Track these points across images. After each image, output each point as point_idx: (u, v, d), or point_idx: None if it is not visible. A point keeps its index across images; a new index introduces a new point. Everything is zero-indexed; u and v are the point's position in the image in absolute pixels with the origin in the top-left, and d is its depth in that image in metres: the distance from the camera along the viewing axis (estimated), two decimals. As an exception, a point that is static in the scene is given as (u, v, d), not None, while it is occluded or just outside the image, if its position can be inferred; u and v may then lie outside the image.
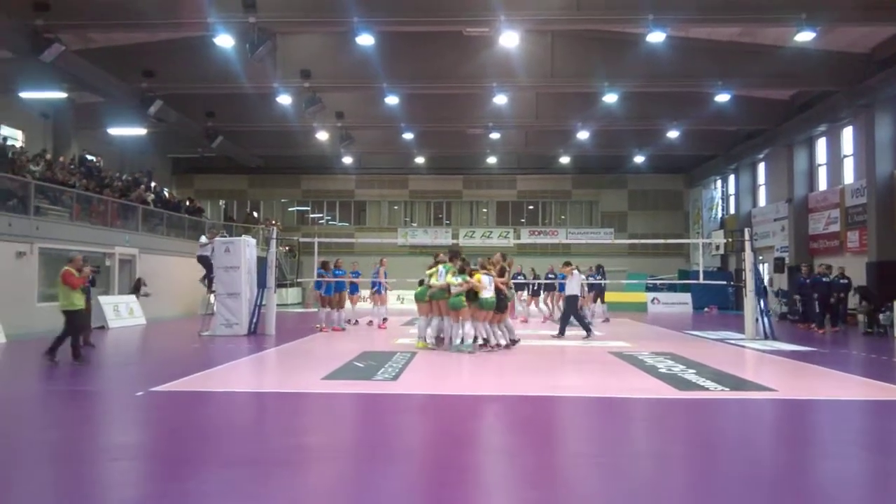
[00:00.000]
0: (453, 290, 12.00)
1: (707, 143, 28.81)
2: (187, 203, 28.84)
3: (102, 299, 17.42)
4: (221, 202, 37.31)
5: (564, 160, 32.93)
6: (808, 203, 24.12)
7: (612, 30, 19.21)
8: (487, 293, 12.08)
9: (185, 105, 23.32)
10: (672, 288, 29.61)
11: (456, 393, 8.55)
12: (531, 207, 36.87)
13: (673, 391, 8.33)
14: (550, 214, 36.80)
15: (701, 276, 18.06)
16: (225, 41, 16.88)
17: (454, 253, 13.01)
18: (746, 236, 15.74)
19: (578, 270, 16.04)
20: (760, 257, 24.12)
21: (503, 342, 12.69)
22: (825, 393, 8.67)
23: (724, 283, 27.30)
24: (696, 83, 20.58)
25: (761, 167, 28.62)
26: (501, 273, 12.81)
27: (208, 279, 16.77)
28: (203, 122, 24.86)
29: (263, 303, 15.76)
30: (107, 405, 8.02)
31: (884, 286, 18.02)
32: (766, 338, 14.79)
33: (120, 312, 18.23)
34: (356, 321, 18.83)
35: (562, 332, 15.17)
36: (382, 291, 18.51)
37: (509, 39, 17.35)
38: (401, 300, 26.64)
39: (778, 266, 24.22)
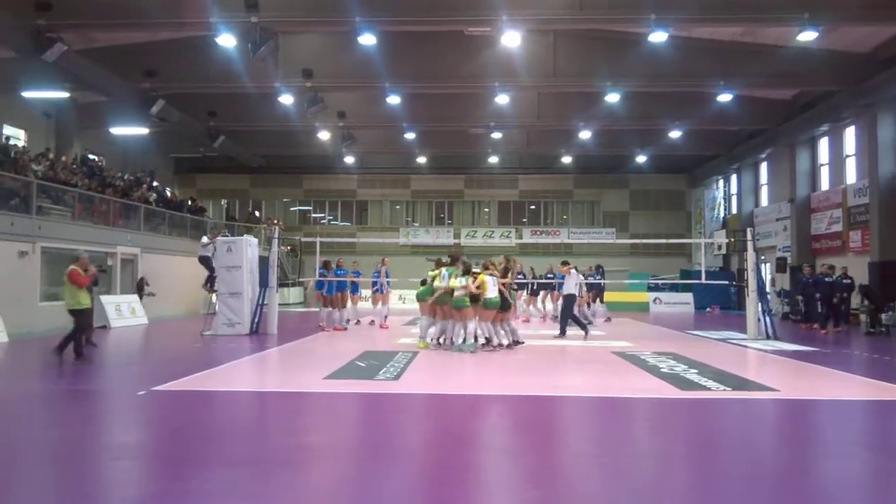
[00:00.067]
0: (456, 293, 12.01)
1: (709, 142, 28.78)
2: (189, 203, 28.85)
3: (104, 299, 17.43)
4: (223, 202, 37.36)
5: (566, 160, 32.93)
6: (810, 203, 24.09)
7: (615, 29, 19.20)
8: (491, 293, 12.08)
9: (188, 105, 23.34)
10: (674, 288, 29.59)
11: (457, 392, 8.55)
12: (533, 207, 36.85)
13: (675, 391, 8.32)
14: (552, 214, 36.78)
15: (703, 275, 18.04)
16: (227, 41, 16.89)
17: (455, 257, 12.98)
18: (748, 236, 15.72)
19: (576, 270, 16.05)
20: (762, 257, 24.13)
21: (505, 342, 12.69)
22: (827, 393, 8.66)
23: (726, 283, 27.27)
24: (698, 83, 20.58)
25: (763, 167, 28.59)
26: (505, 273, 12.80)
27: (210, 280, 16.78)
28: (205, 121, 24.88)
29: (265, 302, 15.77)
30: (109, 404, 8.02)
31: (886, 286, 18.00)
32: (768, 338, 14.78)
33: (122, 312, 18.25)
34: (358, 321, 18.86)
35: (563, 332, 15.17)
36: (384, 291, 18.51)
37: (511, 39, 17.34)
38: (402, 300, 26.65)
39: (780, 266, 24.17)
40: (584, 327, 15.30)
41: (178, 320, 20.61)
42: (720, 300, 28.57)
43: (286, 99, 21.81)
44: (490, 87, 20.91)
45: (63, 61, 16.37)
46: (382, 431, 6.42)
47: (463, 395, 8.34)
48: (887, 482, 5.10)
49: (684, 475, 5.25)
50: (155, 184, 26.92)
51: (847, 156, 22.31)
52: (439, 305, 12.49)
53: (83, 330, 10.83)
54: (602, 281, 20.81)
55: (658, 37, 16.07)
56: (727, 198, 31.78)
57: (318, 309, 17.58)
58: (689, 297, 29.15)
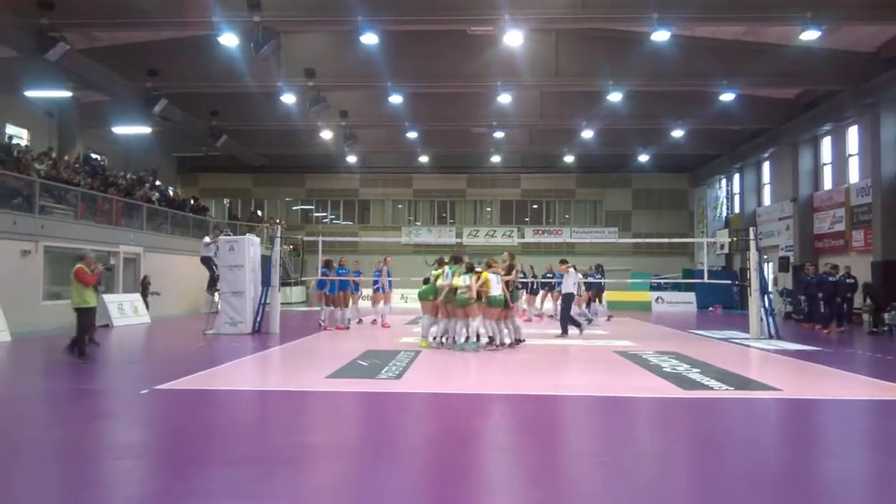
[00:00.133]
0: (460, 291, 12.01)
1: (711, 142, 28.75)
2: (192, 202, 28.91)
3: (107, 297, 17.45)
4: (226, 201, 37.38)
5: (568, 159, 32.91)
6: (813, 202, 24.04)
7: (617, 28, 19.17)
8: (495, 291, 12.08)
9: (190, 104, 23.36)
10: (676, 287, 29.56)
11: (460, 392, 8.55)
12: (535, 206, 36.82)
13: (677, 390, 8.32)
14: (554, 213, 36.75)
15: (705, 275, 18.01)
16: (229, 40, 16.90)
17: (457, 257, 12.98)
18: (751, 235, 15.69)
19: (575, 269, 16.05)
20: (765, 256, 24.10)
21: (507, 341, 12.68)
22: (830, 392, 8.65)
23: (729, 282, 27.23)
24: (700, 82, 20.54)
25: (766, 166, 28.55)
26: (509, 271, 12.80)
27: (212, 280, 16.80)
28: (207, 120, 24.90)
29: (268, 301, 15.79)
30: (111, 403, 8.03)
31: (889, 285, 17.96)
32: (770, 337, 14.76)
33: (124, 311, 18.28)
34: (360, 320, 18.88)
35: (564, 332, 15.17)
36: (384, 290, 18.50)
37: (513, 38, 17.33)
38: (404, 299, 26.65)
39: (783, 265, 24.18)
40: (578, 325, 15.32)
41: (180, 319, 20.64)
42: (723, 300, 28.54)
43: (288, 98, 21.81)
44: (492, 87, 20.89)
45: (65, 61, 16.39)
46: (384, 430, 6.43)
47: (465, 395, 8.34)
48: (890, 482, 5.09)
49: (687, 475, 5.24)
50: (157, 183, 26.97)
51: (850, 155, 22.26)
52: (444, 304, 12.49)
53: (87, 329, 10.87)
54: (602, 280, 20.79)
55: (660, 36, 16.06)
56: (730, 197, 31.74)
57: (319, 308, 17.59)
58: (691, 296, 29.13)
